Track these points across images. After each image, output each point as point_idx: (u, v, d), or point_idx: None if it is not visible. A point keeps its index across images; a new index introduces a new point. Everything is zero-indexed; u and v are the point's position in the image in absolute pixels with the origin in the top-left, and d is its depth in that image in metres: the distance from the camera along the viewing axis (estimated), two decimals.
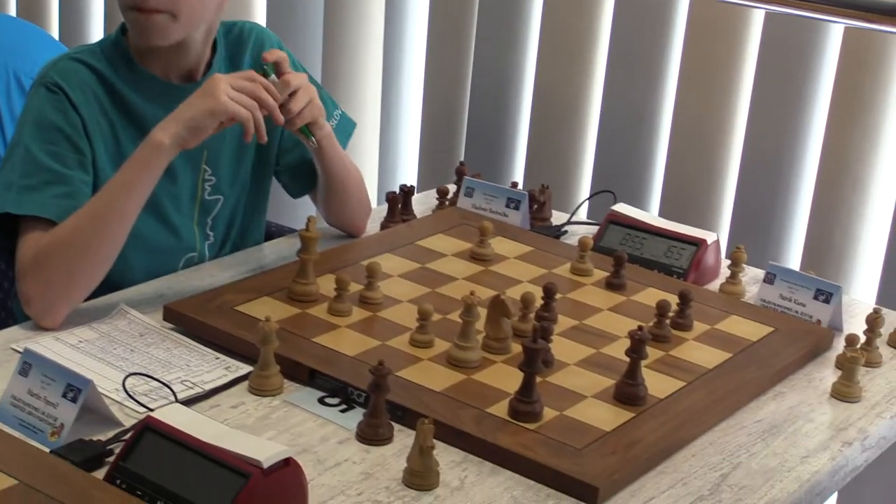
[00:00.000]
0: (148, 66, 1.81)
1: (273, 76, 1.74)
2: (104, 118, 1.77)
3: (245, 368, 1.55)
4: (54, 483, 1.24)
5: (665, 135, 2.67)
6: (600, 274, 1.89)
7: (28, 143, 1.72)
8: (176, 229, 1.85)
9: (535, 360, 1.45)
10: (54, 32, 3.71)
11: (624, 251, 1.91)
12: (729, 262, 1.97)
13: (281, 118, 1.72)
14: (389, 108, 3.10)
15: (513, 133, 2.91)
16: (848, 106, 2.39)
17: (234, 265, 1.90)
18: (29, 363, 1.40)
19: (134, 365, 1.54)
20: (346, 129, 2.03)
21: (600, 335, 1.69)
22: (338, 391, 1.51)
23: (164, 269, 1.84)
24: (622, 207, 2.08)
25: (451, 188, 2.25)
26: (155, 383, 1.49)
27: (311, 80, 1.86)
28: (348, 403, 1.50)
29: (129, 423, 1.38)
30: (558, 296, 1.72)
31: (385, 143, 3.12)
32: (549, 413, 1.46)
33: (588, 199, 2.46)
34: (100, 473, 1.28)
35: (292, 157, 1.98)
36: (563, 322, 1.71)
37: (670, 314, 1.70)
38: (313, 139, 1.82)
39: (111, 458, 1.31)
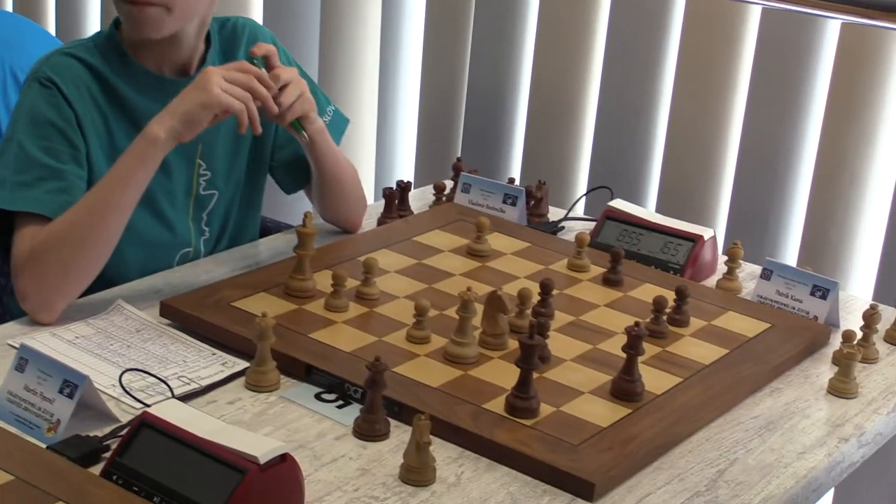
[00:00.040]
0: (141, 60, 1.80)
1: (262, 70, 1.74)
2: (98, 112, 1.77)
3: (242, 364, 1.55)
4: (51, 479, 1.24)
5: (662, 131, 2.67)
6: (597, 270, 1.89)
7: (21, 138, 1.71)
8: (171, 224, 1.85)
9: (532, 356, 1.44)
10: (51, 28, 3.71)
11: (621, 247, 1.90)
12: (726, 258, 1.97)
13: (275, 108, 1.72)
14: (386, 104, 3.09)
15: (510, 129, 2.91)
16: (845, 102, 2.39)
17: (231, 261, 1.90)
18: (25, 359, 1.40)
19: (130, 361, 1.53)
20: (339, 125, 2.02)
21: (597, 331, 1.69)
22: (334, 387, 1.51)
23: (159, 265, 1.84)
24: (619, 203, 2.07)
25: (448, 184, 2.24)
26: (151, 379, 1.49)
27: (303, 74, 1.86)
28: (345, 399, 1.49)
29: (125, 418, 1.38)
30: (555, 292, 1.72)
31: (382, 139, 3.12)
32: (545, 409, 1.46)
33: (585, 195, 2.46)
34: (96, 469, 1.28)
35: (286, 153, 1.98)
36: (560, 318, 1.71)
37: (667, 310, 1.70)
38: (304, 133, 1.82)
39: (108, 454, 1.31)
